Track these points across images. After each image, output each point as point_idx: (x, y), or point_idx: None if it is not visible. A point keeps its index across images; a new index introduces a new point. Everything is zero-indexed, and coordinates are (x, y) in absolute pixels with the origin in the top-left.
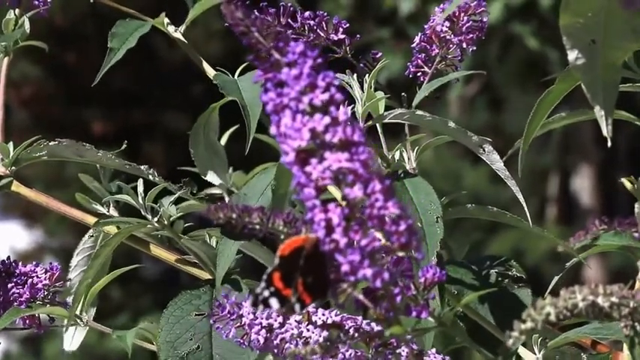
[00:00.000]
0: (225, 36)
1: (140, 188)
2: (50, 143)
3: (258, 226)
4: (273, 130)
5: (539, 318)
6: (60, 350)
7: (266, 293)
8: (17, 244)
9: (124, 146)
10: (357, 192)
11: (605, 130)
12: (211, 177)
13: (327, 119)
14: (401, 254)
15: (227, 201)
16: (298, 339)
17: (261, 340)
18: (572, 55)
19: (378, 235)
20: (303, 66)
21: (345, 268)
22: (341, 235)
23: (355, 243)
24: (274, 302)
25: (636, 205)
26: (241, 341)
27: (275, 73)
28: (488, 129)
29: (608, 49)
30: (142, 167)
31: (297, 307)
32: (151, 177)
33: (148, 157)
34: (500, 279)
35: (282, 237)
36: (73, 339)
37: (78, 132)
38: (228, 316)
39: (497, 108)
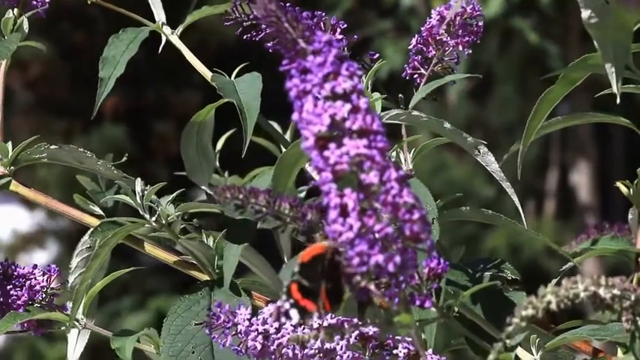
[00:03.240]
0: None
1: (138, 188)
2: (51, 147)
3: (264, 209)
4: (295, 116)
5: (540, 305)
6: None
7: (287, 305)
8: (19, 227)
9: (125, 158)
10: (373, 178)
11: (615, 87)
12: (197, 180)
13: (348, 106)
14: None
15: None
16: (295, 343)
17: (258, 347)
18: (585, 13)
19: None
20: (328, 54)
21: (355, 260)
22: (355, 220)
23: (367, 229)
24: (294, 313)
25: (630, 211)
26: (238, 349)
27: (300, 61)
28: (481, 123)
29: (620, 10)
30: (138, 180)
31: (315, 317)
32: (146, 192)
33: (160, 137)
34: (495, 281)
35: (287, 220)
36: (75, 348)
37: (87, 111)
38: (223, 325)
39: (493, 102)
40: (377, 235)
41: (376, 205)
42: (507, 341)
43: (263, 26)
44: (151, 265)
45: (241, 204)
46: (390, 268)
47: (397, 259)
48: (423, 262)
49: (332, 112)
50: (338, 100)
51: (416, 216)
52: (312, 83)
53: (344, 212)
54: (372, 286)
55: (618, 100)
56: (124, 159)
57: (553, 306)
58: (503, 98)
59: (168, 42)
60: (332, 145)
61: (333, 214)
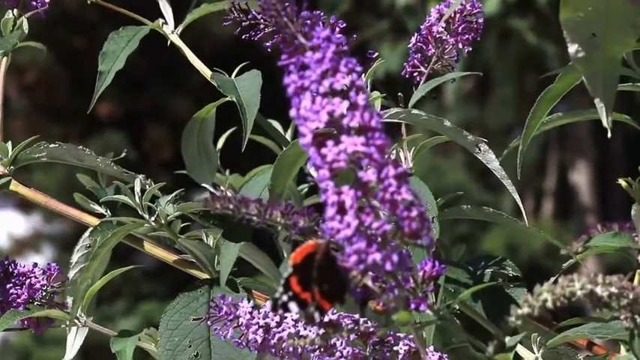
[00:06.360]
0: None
1: (137, 188)
2: (50, 145)
3: (255, 217)
4: (292, 112)
5: (536, 304)
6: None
7: (285, 298)
8: (15, 231)
9: (124, 154)
10: (370, 176)
11: (605, 122)
12: (198, 178)
13: (345, 103)
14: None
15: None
16: (295, 338)
17: (259, 340)
18: (572, 48)
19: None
20: (327, 50)
21: (353, 258)
22: (353, 218)
23: (365, 227)
24: (293, 306)
25: (633, 207)
26: (239, 341)
27: (299, 56)
28: (479, 125)
29: (608, 43)
30: (140, 176)
31: (316, 315)
32: (147, 187)
33: (154, 141)
34: (495, 278)
35: (279, 228)
36: (73, 345)
37: (84, 117)
38: (225, 316)
39: (491, 103)
40: (375, 233)
41: (374, 202)
42: (507, 340)
43: (261, 26)
44: (144, 269)
45: (232, 214)
46: (388, 266)
47: (395, 257)
48: (417, 264)
49: (330, 108)
50: (336, 96)
51: (414, 213)
52: (311, 80)
53: (342, 210)
54: (369, 282)
55: (609, 134)
56: (123, 155)
57: (549, 304)
58: (501, 99)
59: (167, 44)
60: (329, 143)
61: (330, 211)
